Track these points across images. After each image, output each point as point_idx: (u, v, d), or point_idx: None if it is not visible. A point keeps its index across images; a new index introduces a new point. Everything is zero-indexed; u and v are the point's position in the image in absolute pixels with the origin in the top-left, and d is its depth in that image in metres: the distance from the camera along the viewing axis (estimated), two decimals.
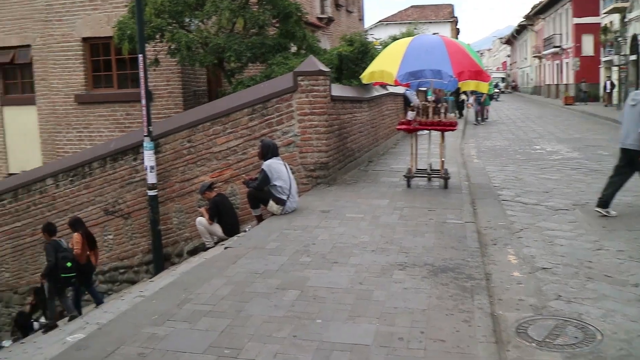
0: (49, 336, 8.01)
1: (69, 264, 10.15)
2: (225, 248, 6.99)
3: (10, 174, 17.43)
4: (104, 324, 4.91)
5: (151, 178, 10.99)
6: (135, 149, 11.58)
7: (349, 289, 5.26)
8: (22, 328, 12.99)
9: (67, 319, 10.47)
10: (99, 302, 10.90)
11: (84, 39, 16.35)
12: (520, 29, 76.98)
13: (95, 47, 16.49)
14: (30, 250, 13.37)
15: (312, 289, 5.29)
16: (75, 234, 10.82)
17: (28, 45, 17.21)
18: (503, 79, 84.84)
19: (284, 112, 10.25)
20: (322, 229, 7.50)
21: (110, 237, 12.22)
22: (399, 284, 5.36)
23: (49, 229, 10.79)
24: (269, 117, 10.35)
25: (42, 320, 12.71)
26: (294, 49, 14.96)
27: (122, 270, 12.16)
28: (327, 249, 6.54)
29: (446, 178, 10.60)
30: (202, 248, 10.51)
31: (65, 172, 12.52)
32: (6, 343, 13.39)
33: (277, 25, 14.67)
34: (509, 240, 7.39)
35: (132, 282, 11.93)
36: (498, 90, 53.99)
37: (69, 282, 10.47)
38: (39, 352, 5.56)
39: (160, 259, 11.31)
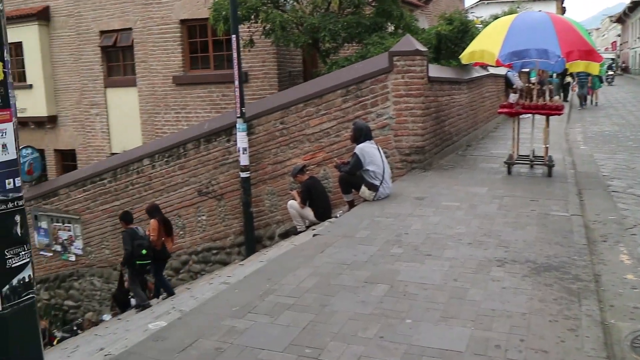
0: (138, 318, 8.06)
1: (144, 252, 10.25)
2: (314, 235, 6.75)
3: (113, 154, 17.94)
4: (186, 312, 4.77)
5: (244, 160, 10.92)
6: (229, 131, 11.54)
7: (442, 286, 4.87)
8: (120, 304, 13.38)
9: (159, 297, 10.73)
10: (169, 292, 10.94)
11: (182, 21, 16.49)
12: (634, 6, 72.58)
13: (192, 29, 16.61)
14: None
15: (402, 284, 4.94)
16: (152, 220, 11.00)
17: (129, 29, 17.57)
18: (612, 60, 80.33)
19: (378, 94, 9.87)
20: (416, 217, 7.11)
21: (204, 217, 12.29)
22: (496, 283, 4.92)
23: (126, 218, 10.96)
24: (363, 98, 10.00)
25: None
26: (390, 28, 14.49)
27: (214, 251, 12.21)
28: (420, 240, 6.15)
29: (550, 165, 9.89)
30: (294, 232, 10.36)
31: (161, 152, 12.68)
32: (106, 317, 13.86)
33: (374, 3, 14.24)
34: (620, 237, 6.69)
35: (224, 264, 11.97)
36: (612, 73, 49.56)
37: (145, 270, 10.64)
38: (123, 337, 5.53)
39: (251, 242, 11.27)
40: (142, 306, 10.23)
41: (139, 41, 17.20)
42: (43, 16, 19.67)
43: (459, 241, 6.08)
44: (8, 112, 3.02)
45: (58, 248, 15.43)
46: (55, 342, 13.34)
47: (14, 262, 3.07)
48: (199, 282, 10.82)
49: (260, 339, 4.02)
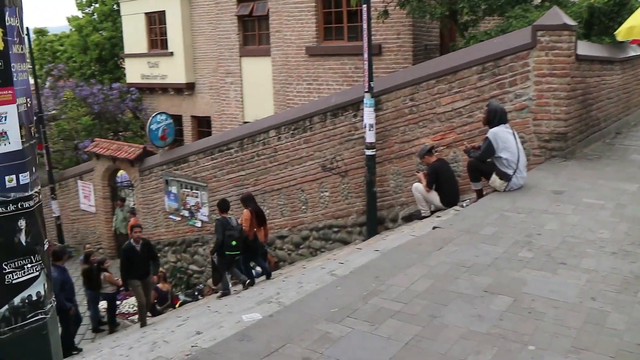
0: (244, 297, 7.83)
1: (233, 242, 10.19)
2: (434, 228, 6.13)
3: (245, 122, 18.04)
4: (282, 308, 4.38)
5: (370, 137, 10.41)
6: (356, 105, 11.05)
7: (577, 306, 4.13)
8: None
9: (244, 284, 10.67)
10: (267, 275, 10.89)
11: None
12: None
13: None
14: None
15: (528, 298, 4.25)
16: (245, 210, 10.94)
17: None
18: None
19: (518, 72, 8.94)
20: (551, 215, 6.28)
21: (327, 194, 11.95)
22: None
23: (221, 206, 10.91)
24: (500, 76, 9.12)
25: (258, 269, 12.99)
26: (537, 0, 13.30)
27: (335, 229, 11.86)
28: (554, 244, 5.38)
29: None
30: (418, 216, 9.76)
31: (287, 125, 12.44)
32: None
33: None
34: None
35: (345, 243, 11.60)
36: None
37: (233, 260, 10.58)
38: (220, 323, 5.25)
39: (373, 222, 10.80)
40: (244, 281, 10.47)
41: (274, 10, 17.02)
42: None
43: (601, 249, 5.24)
44: (10, 92, 2.36)
45: (186, 213, 15.75)
46: (177, 305, 13.63)
47: (15, 277, 2.48)
48: (315, 261, 10.50)
49: (355, 352, 3.53)
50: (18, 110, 2.40)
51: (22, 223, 2.48)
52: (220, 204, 11.07)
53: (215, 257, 11.02)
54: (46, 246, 2.64)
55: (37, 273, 2.56)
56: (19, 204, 2.46)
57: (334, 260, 8.34)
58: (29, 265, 2.53)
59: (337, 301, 4.27)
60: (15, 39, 2.33)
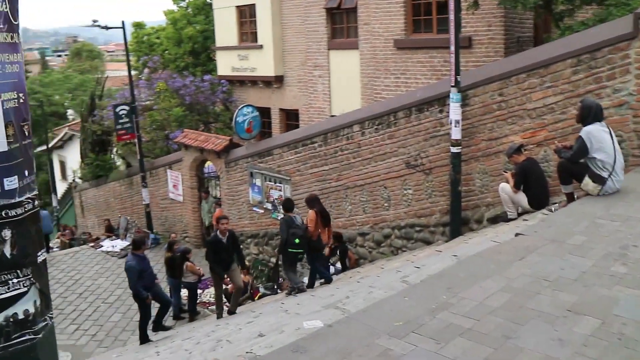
0: (316, 297, 7.59)
1: (297, 241, 10.21)
2: (516, 235, 5.67)
3: (332, 116, 17.85)
4: (340, 319, 4.09)
5: (455, 133, 9.95)
6: (442, 100, 10.61)
7: None
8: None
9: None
10: (327, 279, 10.91)
11: None
12: None
13: None
14: (335, 195, 13.41)
15: (618, 321, 3.78)
16: (310, 211, 10.90)
17: None
18: None
19: (617, 65, 8.22)
20: None
21: (410, 191, 11.56)
22: None
23: (286, 206, 11.03)
24: (597, 70, 8.43)
25: (338, 265, 12.78)
26: None
27: (418, 228, 11.46)
28: None
29: None
30: (504, 218, 9.25)
31: (371, 119, 12.12)
32: (306, 279, 13.82)
33: None
34: None
35: (427, 242, 11.19)
36: None
37: (296, 258, 10.61)
38: (281, 327, 5.02)
39: (457, 223, 10.34)
40: (296, 289, 10.52)
41: (363, 3, 16.68)
42: None
43: None
44: None
45: (269, 206, 15.72)
46: (256, 298, 13.61)
47: None
48: (394, 261, 10.16)
49: None
50: (3, 106, 2.10)
51: (6, 233, 2.19)
52: (284, 204, 11.24)
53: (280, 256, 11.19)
54: (41, 258, 2.34)
55: (25, 289, 2.26)
56: (3, 213, 2.16)
57: (411, 263, 7.97)
58: (15, 281, 2.23)
59: (403, 313, 3.95)
60: (2, 25, 2.01)
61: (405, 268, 7.37)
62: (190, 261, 13.66)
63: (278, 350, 3.64)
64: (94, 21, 19.56)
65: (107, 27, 20.16)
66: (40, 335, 2.26)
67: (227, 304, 12.29)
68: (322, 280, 11.02)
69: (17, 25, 2.06)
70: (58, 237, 27.65)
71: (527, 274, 4.56)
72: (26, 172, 2.22)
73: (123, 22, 19.73)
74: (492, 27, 13.63)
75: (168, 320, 13.06)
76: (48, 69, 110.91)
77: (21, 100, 2.15)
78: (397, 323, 3.81)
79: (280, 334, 4.56)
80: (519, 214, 8.81)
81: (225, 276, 11.45)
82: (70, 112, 55.23)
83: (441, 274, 4.84)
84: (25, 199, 2.24)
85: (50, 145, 35.68)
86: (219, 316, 11.26)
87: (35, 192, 2.27)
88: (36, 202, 2.28)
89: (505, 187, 8.89)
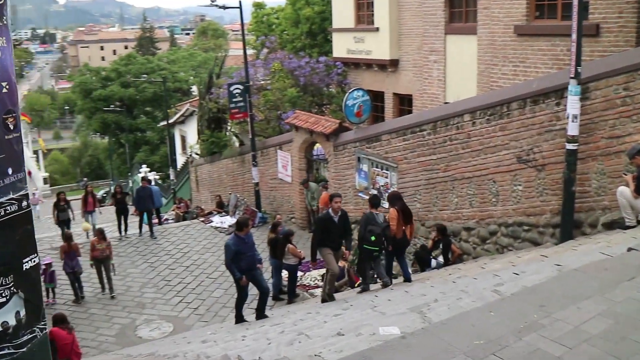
0: (401, 294, 7.27)
1: (373, 238, 10.21)
2: (629, 250, 5.11)
3: (446, 102, 17.30)
4: (416, 331, 3.79)
5: (572, 129, 9.27)
6: (559, 92, 9.90)
7: None
8: (420, 261, 12.88)
9: (381, 284, 10.79)
10: (406, 277, 10.87)
11: None
12: None
13: None
14: (441, 186, 12.97)
15: None
16: (392, 209, 10.78)
17: None
18: None
19: None
20: None
21: (520, 188, 10.94)
22: None
23: (372, 201, 10.96)
24: None
25: (440, 259, 12.38)
26: None
27: (526, 227, 10.84)
28: None
29: None
30: (621, 224, 8.59)
31: (483, 109, 11.56)
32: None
33: None
34: None
35: (534, 243, 10.57)
36: None
37: (371, 255, 10.50)
38: (358, 330, 4.76)
39: (569, 225, 9.68)
40: (364, 288, 10.74)
41: None
42: None
43: None
44: None
45: (374, 192, 15.45)
46: (356, 284, 13.43)
47: None
48: (497, 261, 9.64)
49: None
50: None
51: None
52: (371, 199, 11.10)
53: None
54: (30, 264, 2.11)
55: (4, 299, 2.01)
56: None
57: (512, 266, 7.48)
58: None
59: (486, 331, 3.60)
60: None
61: (504, 273, 6.90)
62: (292, 244, 13.66)
63: (345, 358, 3.40)
64: (212, 0, 19.90)
65: (224, 7, 20.46)
66: (24, 350, 2.05)
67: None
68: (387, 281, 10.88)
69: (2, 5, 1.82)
70: (173, 210, 28.70)
71: (635, 298, 4.05)
72: (9, 170, 1.98)
73: (240, 2, 19.95)
74: (624, 13, 12.57)
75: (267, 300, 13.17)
76: (176, 46, 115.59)
77: (4, 90, 1.94)
78: (477, 342, 3.47)
79: (357, 336, 4.33)
80: (638, 222, 8.08)
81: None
82: (194, 88, 57.10)
83: (537, 287, 4.42)
84: (7, 200, 1.99)
85: (172, 120, 37.03)
86: (325, 299, 10.85)
87: (24, 192, 2.05)
88: (24, 203, 2.07)
89: (625, 191, 8.21)
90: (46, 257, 15.53)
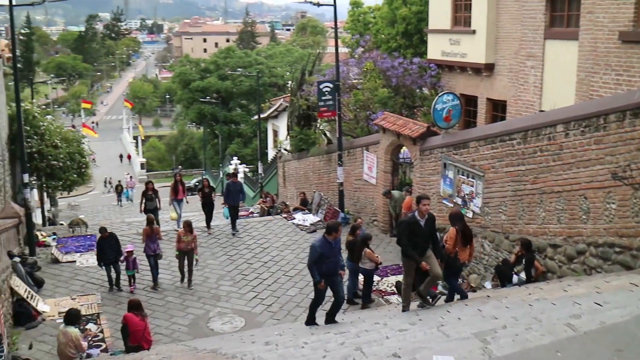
0: (474, 317, 6.85)
1: None
2: None
3: (542, 110, 16.55)
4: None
5: None
6: None
7: None
8: (502, 275, 12.36)
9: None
10: (459, 294, 11.00)
11: None
12: None
13: None
14: (529, 199, 12.35)
15: None
16: (452, 228, 10.94)
17: None
18: None
19: None
20: None
21: (613, 206, 10.20)
22: None
23: None
24: None
25: (522, 275, 11.83)
26: None
27: (617, 249, 10.09)
28: None
29: None
30: None
31: (577, 120, 10.87)
32: (487, 284, 13.02)
33: None
34: None
35: (626, 267, 9.83)
36: None
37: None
38: (414, 353, 4.41)
39: None
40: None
41: None
42: None
43: None
44: None
45: (459, 201, 14.97)
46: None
47: None
48: (581, 284, 9.01)
49: None
50: None
51: None
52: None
53: None
54: None
55: None
56: None
57: (597, 293, 6.92)
58: None
59: None
60: None
61: (585, 301, 6.36)
62: (370, 248, 13.41)
63: None
64: None
65: (318, 4, 20.39)
66: None
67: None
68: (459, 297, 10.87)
69: None
70: (259, 203, 28.99)
71: None
72: None
73: (335, 1, 19.81)
74: None
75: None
76: (275, 41, 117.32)
77: None
78: None
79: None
80: None
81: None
82: (289, 84, 57.69)
83: (617, 326, 3.98)
84: None
85: (265, 115, 37.44)
86: (405, 309, 10.40)
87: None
88: None
89: None
90: (128, 244, 15.95)
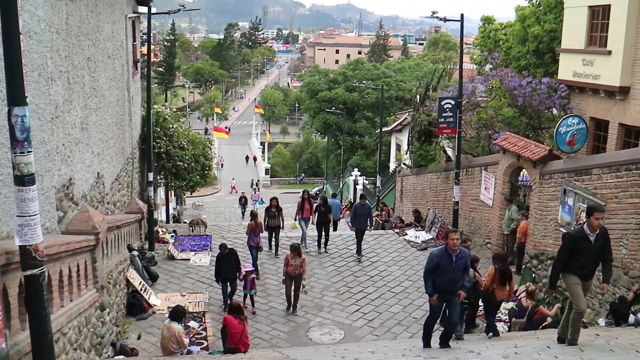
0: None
1: None
2: None
3: None
4: None
5: None
6: None
7: None
8: (617, 314, 11.59)
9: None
10: (489, 330, 11.50)
11: None
12: None
13: None
14: None
15: None
16: (491, 266, 11.58)
17: None
18: None
19: None
20: None
21: None
22: None
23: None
24: None
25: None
26: None
27: None
28: None
29: None
30: None
31: None
32: (601, 321, 12.27)
33: None
34: None
35: None
36: None
37: (462, 307, 10.98)
38: None
39: None
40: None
41: None
42: None
43: None
44: None
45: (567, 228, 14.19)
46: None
47: None
48: None
49: None
50: None
51: None
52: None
53: None
54: None
55: None
56: None
57: None
58: None
59: None
60: None
61: None
62: (477, 270, 12.96)
63: None
64: (433, 13, 19.61)
65: (445, 20, 20.09)
66: None
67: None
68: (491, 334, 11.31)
69: None
70: (375, 215, 28.92)
71: None
72: None
73: (462, 16, 19.44)
74: None
75: None
76: (406, 55, 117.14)
77: None
78: None
79: None
80: None
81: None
82: (415, 98, 57.36)
83: None
84: None
85: (390, 128, 37.39)
86: (573, 342, 8.73)
87: None
88: None
89: None
90: (247, 263, 15.60)
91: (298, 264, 14.10)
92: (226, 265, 14.30)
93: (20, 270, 5.84)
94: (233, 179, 64.88)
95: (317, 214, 19.29)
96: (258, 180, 65.83)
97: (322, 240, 19.52)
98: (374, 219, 28.32)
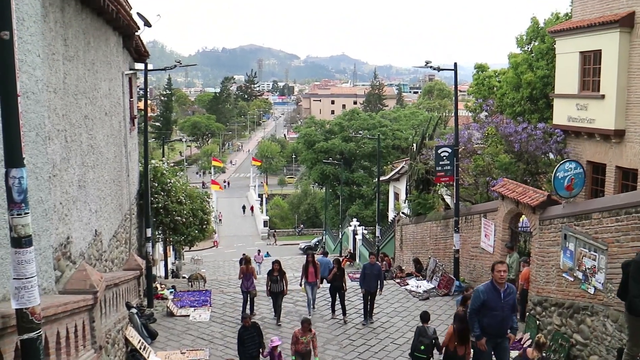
0: None
1: (422, 347, 11.90)
2: None
3: None
4: None
5: None
6: None
7: None
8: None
9: None
10: None
11: None
12: None
13: None
14: None
15: None
16: (450, 326, 11.72)
17: None
18: None
19: None
20: None
21: None
22: None
23: (422, 317, 12.63)
24: None
25: None
26: None
27: None
28: None
29: None
30: None
31: None
32: None
33: None
34: None
35: None
36: None
37: None
38: None
39: None
40: None
41: None
42: (626, 23, 18.04)
43: None
44: None
45: (580, 275, 14.03)
46: None
47: None
48: None
49: None
50: None
51: None
52: (422, 315, 12.69)
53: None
54: None
55: None
56: None
57: None
58: None
59: None
60: None
61: None
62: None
63: None
64: (427, 62, 19.84)
65: (438, 69, 20.32)
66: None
67: None
68: None
69: None
70: None
71: None
72: None
73: (455, 65, 19.71)
74: None
75: None
76: (401, 104, 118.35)
77: None
78: None
79: None
80: None
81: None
82: (412, 147, 57.72)
83: None
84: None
85: (387, 177, 37.51)
86: None
87: None
88: None
89: None
90: (274, 337, 13.29)
91: (309, 339, 12.50)
92: (249, 341, 12.84)
93: (17, 334, 5.72)
94: (215, 232, 58.53)
95: (332, 279, 17.62)
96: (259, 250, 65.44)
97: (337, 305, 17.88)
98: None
